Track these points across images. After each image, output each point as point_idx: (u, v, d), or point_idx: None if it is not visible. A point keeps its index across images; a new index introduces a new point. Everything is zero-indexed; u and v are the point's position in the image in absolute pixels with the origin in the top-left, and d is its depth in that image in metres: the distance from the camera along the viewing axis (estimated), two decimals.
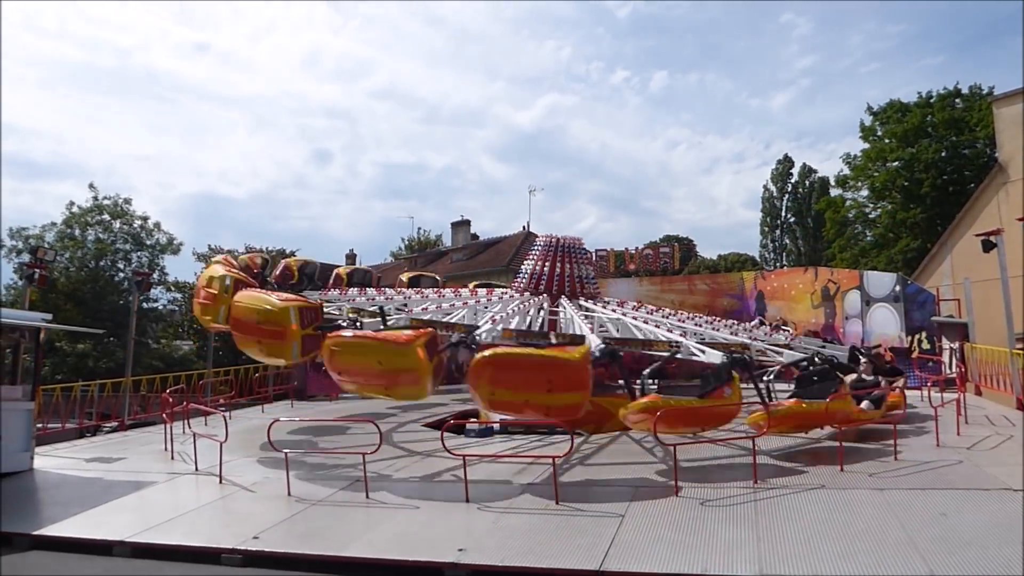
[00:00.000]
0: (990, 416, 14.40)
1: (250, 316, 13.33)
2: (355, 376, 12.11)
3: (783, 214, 57.11)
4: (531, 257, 18.86)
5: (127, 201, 42.58)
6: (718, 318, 20.12)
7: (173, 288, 44.55)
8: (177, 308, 45.73)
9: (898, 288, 22.37)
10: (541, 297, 17.69)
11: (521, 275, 18.88)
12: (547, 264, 18.25)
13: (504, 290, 19.66)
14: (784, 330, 19.62)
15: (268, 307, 13.13)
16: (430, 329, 12.49)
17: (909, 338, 21.48)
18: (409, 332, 11.85)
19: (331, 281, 19.58)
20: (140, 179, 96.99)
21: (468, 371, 11.06)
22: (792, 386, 12.48)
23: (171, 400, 15.86)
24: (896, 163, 39.86)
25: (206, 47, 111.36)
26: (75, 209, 41.25)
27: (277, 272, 18.46)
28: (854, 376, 13.14)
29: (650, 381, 11.51)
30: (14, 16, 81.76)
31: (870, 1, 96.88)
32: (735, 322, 19.40)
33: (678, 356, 13.46)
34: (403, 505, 9.69)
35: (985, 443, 11.88)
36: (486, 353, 10.97)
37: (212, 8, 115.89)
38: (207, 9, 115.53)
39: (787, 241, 56.46)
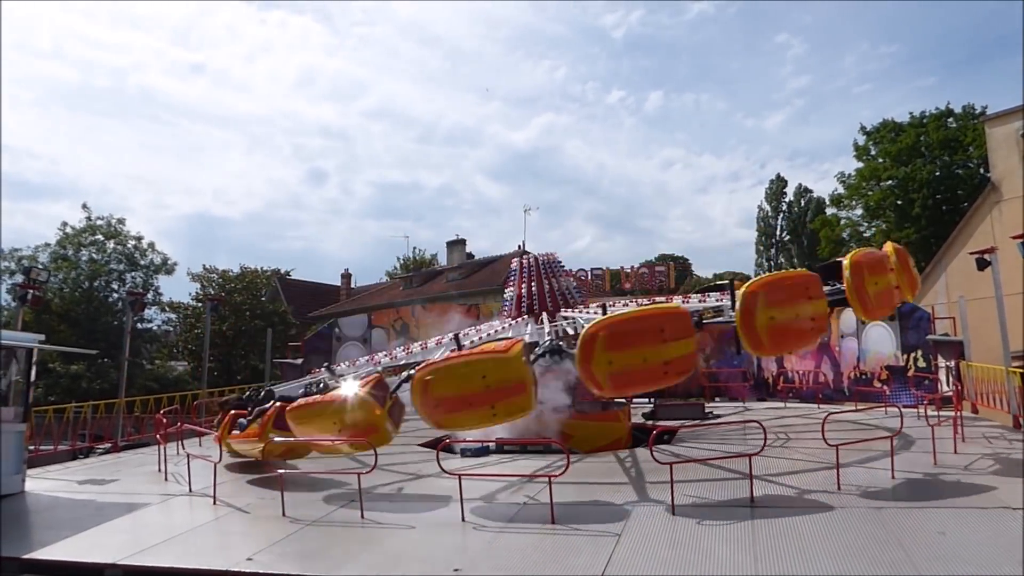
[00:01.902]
0: (987, 434, 14.39)
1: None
2: (456, 404, 10.84)
3: (778, 233, 57.38)
4: (511, 283, 18.72)
5: (120, 221, 42.75)
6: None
7: (167, 308, 44.49)
8: (171, 329, 45.64)
9: None
10: (526, 319, 17.52)
11: (506, 302, 18.75)
12: (531, 285, 18.10)
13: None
14: None
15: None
16: (521, 339, 12.01)
17: (905, 356, 21.49)
18: (505, 342, 11.35)
19: None
20: (135, 199, 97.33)
21: (578, 348, 10.64)
22: None
23: (165, 421, 15.78)
24: (890, 182, 40.12)
25: (201, 68, 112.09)
26: (68, 230, 41.29)
27: None
28: None
29: None
30: (9, 37, 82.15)
31: (864, 23, 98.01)
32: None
33: None
34: (398, 525, 9.61)
35: (982, 461, 11.86)
36: (594, 323, 10.86)
37: (208, 29, 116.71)
38: (203, 30, 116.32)
39: (782, 260, 56.69)
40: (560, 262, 18.89)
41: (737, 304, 11.04)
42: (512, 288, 18.47)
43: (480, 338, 15.81)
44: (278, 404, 13.04)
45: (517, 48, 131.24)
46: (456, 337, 13.33)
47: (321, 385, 13.54)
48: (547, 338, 13.03)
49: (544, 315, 17.19)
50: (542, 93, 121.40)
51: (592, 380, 10.74)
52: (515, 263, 18.93)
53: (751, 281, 11.52)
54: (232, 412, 14.26)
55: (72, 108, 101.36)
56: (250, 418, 13.44)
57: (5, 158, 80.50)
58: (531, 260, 18.32)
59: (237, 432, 13.47)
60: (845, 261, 11.76)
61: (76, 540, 9.65)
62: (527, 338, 15.12)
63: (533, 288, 17.97)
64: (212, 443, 14.11)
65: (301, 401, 11.99)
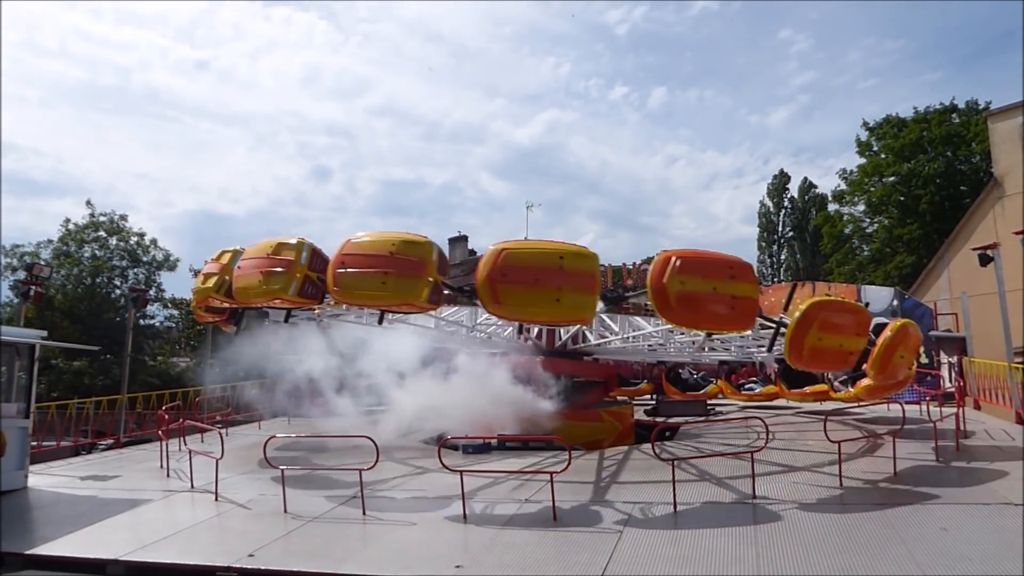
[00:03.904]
0: (989, 430, 14.37)
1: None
2: (525, 277, 11.07)
3: (780, 229, 57.25)
4: None
5: (123, 217, 42.71)
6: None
7: (170, 305, 44.50)
8: (174, 325, 45.69)
9: (896, 303, 22.38)
10: None
11: None
12: None
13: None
14: None
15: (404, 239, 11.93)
16: None
17: None
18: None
19: None
20: (139, 197, 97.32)
21: (652, 267, 11.10)
22: None
23: (167, 417, 15.79)
24: (893, 178, 40.02)
25: (206, 65, 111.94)
26: (71, 226, 41.29)
27: None
28: None
29: None
30: (15, 36, 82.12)
31: (869, 18, 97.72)
32: None
33: None
34: (400, 521, 9.61)
35: (984, 457, 11.84)
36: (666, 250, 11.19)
37: (213, 27, 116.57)
38: (208, 28, 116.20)
39: (785, 256, 56.58)
40: None
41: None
42: None
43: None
44: None
45: (522, 45, 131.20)
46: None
47: None
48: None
49: None
50: (546, 90, 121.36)
51: (661, 298, 10.89)
52: None
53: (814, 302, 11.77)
54: None
55: (78, 106, 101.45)
56: None
57: (12, 156, 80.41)
58: None
59: None
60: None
61: (78, 536, 9.66)
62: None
63: None
64: (214, 439, 14.11)
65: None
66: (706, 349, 20.51)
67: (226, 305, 14.55)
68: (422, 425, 15.33)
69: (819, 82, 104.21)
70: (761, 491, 9.98)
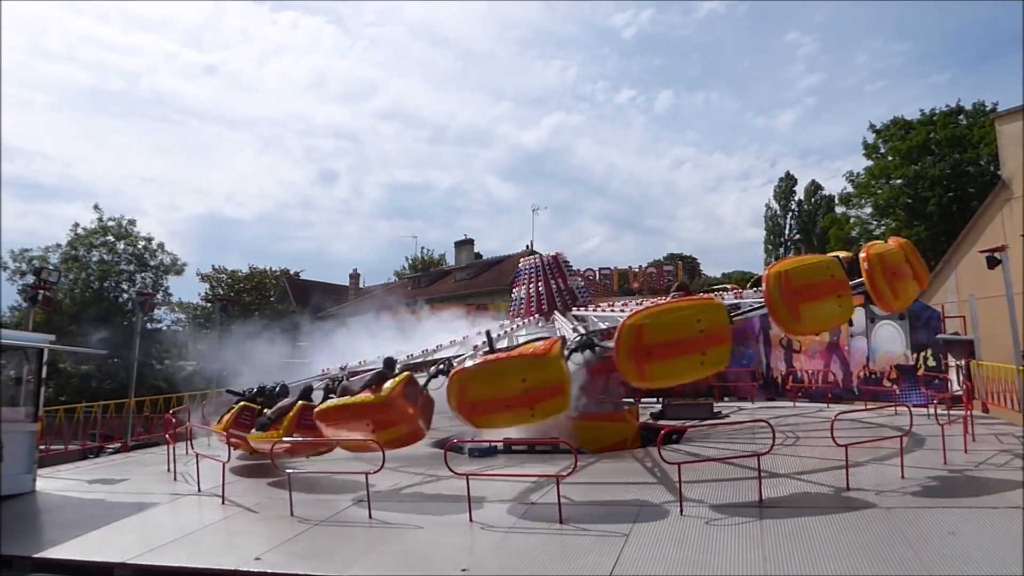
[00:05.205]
0: (997, 433, 14.30)
1: None
2: (494, 406, 10.95)
3: (787, 232, 57.17)
4: (519, 283, 18.71)
5: (131, 222, 42.99)
6: None
7: (177, 308, 44.70)
8: (181, 329, 45.88)
9: None
10: (534, 318, 17.56)
11: (514, 302, 18.75)
12: (538, 284, 18.10)
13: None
14: None
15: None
16: (559, 337, 11.93)
17: (914, 355, 21.38)
18: (543, 343, 11.30)
19: None
20: (147, 201, 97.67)
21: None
22: None
23: (174, 420, 15.83)
24: (899, 180, 39.91)
25: (214, 69, 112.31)
26: (80, 230, 41.50)
27: None
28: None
29: None
30: (24, 41, 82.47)
31: (875, 20, 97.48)
32: None
33: None
34: (406, 524, 9.63)
35: (993, 460, 11.79)
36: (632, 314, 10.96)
37: (220, 31, 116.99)
38: (215, 32, 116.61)
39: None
40: (567, 261, 18.93)
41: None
42: (520, 288, 18.52)
43: (504, 331, 15.88)
44: (300, 403, 13.20)
45: (528, 48, 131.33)
46: (489, 337, 12.87)
47: (339, 382, 13.61)
48: (575, 334, 12.91)
49: (556, 313, 17.22)
50: (552, 93, 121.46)
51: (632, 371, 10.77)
52: (523, 263, 18.97)
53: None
54: (242, 404, 14.36)
55: (85, 111, 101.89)
56: (271, 414, 13.48)
57: (20, 161, 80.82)
58: (538, 260, 18.37)
59: (257, 430, 13.49)
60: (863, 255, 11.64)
61: (86, 539, 9.71)
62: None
63: (541, 288, 17.99)
64: (220, 443, 14.16)
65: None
66: None
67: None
68: None
69: (826, 84, 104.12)
70: (767, 494, 9.95)
